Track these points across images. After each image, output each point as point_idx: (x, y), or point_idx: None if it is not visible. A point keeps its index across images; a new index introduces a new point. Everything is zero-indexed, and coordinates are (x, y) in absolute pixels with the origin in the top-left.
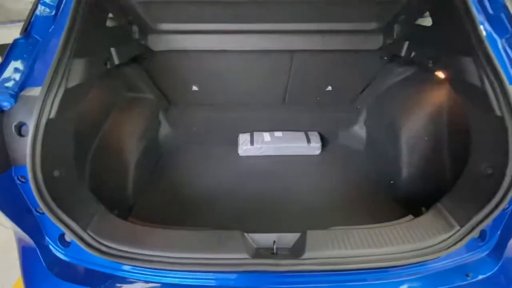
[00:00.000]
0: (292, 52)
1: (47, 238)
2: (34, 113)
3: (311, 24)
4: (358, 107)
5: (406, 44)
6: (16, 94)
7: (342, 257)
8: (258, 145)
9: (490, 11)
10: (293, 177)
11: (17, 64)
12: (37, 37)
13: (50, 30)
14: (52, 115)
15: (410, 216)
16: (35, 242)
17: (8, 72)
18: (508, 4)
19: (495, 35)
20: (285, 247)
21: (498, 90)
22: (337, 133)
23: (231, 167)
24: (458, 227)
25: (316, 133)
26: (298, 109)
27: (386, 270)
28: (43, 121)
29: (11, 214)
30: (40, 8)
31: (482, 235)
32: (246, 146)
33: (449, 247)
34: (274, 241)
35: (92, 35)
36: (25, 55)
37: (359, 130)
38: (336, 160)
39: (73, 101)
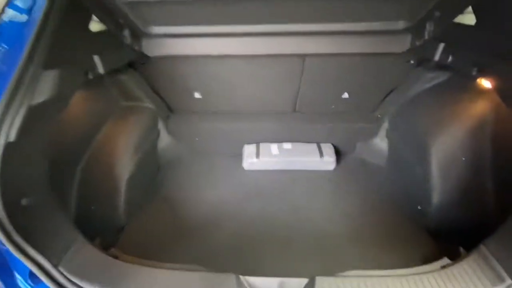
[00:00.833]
0: (303, 56)
1: (16, 275)
2: None
3: (325, 24)
4: (379, 116)
5: (442, 46)
6: None
7: None
8: (265, 159)
9: None
10: (303, 197)
11: None
12: (5, 46)
13: (21, 37)
14: (12, 137)
15: (445, 260)
16: (1, 281)
17: None
18: None
19: None
20: None
21: None
22: (354, 145)
23: (234, 185)
24: (510, 281)
25: (330, 145)
26: (310, 118)
27: None
28: (0, 144)
29: None
30: (9, 13)
31: None
32: (251, 159)
33: None
34: None
35: (69, 42)
36: None
37: (380, 142)
38: (353, 176)
39: (42, 118)
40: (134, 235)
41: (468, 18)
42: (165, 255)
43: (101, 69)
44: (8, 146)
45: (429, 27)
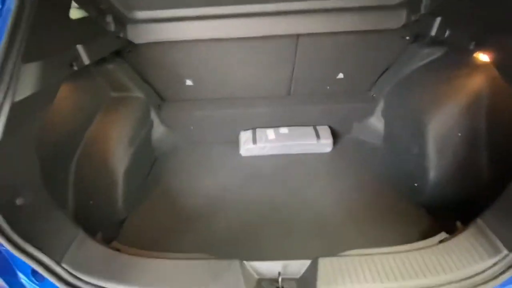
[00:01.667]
0: (296, 36)
1: (19, 274)
2: None
3: (318, 1)
4: (374, 95)
5: (438, 20)
6: None
7: None
8: (262, 144)
9: None
10: (301, 180)
11: None
12: None
13: None
14: None
15: (443, 234)
16: (5, 281)
17: None
18: None
19: None
20: (293, 278)
21: None
22: (351, 126)
23: (232, 171)
24: (506, 251)
25: (326, 127)
26: (305, 101)
27: None
28: None
29: None
30: None
31: None
32: (248, 146)
33: (494, 278)
34: (279, 272)
35: (49, 31)
36: None
37: (376, 122)
38: (350, 157)
39: (28, 115)
40: (135, 227)
41: None
42: (167, 245)
43: (86, 59)
44: None
45: (425, 1)
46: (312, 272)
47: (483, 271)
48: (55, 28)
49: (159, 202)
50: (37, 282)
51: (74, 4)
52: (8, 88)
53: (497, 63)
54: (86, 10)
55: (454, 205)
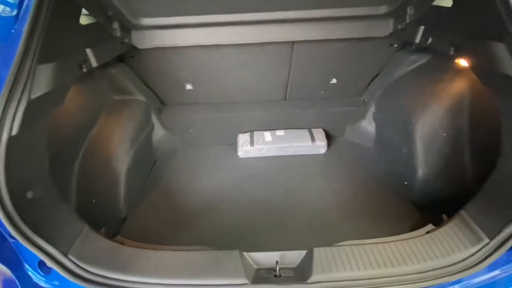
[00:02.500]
0: (292, 43)
1: (26, 265)
2: None
3: (311, 11)
4: (365, 100)
5: (422, 29)
6: None
7: (355, 279)
8: (259, 146)
9: None
10: (297, 180)
11: None
12: None
13: (12, 32)
14: (15, 131)
15: (430, 226)
16: (12, 271)
17: None
18: None
19: None
20: (290, 267)
21: None
22: (344, 129)
23: (230, 172)
24: (487, 240)
25: (321, 130)
26: (300, 105)
27: None
28: (4, 138)
29: None
30: None
31: None
32: (246, 148)
33: (477, 264)
34: (277, 261)
35: (62, 35)
36: None
37: (367, 125)
38: (343, 158)
39: (41, 112)
40: (136, 224)
41: (446, 0)
42: (168, 240)
43: (94, 62)
44: (11, 140)
45: (409, 10)
46: (307, 261)
47: (467, 258)
48: (67, 33)
49: (159, 200)
50: (43, 274)
51: (84, 11)
52: (25, 87)
53: (474, 68)
54: (95, 17)
55: (440, 200)
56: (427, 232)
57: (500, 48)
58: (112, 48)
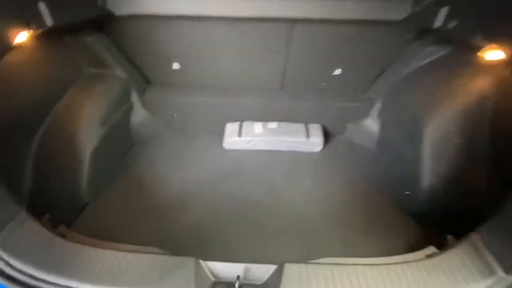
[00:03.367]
0: (293, 21)
1: None
2: None
3: None
4: (372, 96)
5: (444, 10)
6: None
7: None
8: (247, 138)
9: None
10: (283, 179)
11: None
12: None
13: None
14: None
15: (431, 248)
16: None
17: None
18: None
19: None
20: (253, 284)
21: None
22: (344, 126)
23: (211, 164)
24: (502, 273)
25: (318, 126)
26: (298, 96)
27: None
28: None
29: None
30: None
31: None
32: (232, 138)
33: None
34: (238, 276)
35: None
36: None
37: (371, 124)
38: (339, 159)
39: None
40: (95, 213)
41: None
42: (123, 235)
43: (49, 21)
44: None
45: None
46: (275, 278)
47: None
48: None
49: (127, 189)
50: None
51: None
52: None
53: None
54: None
55: (446, 217)
56: (428, 256)
57: None
58: (81, 9)
